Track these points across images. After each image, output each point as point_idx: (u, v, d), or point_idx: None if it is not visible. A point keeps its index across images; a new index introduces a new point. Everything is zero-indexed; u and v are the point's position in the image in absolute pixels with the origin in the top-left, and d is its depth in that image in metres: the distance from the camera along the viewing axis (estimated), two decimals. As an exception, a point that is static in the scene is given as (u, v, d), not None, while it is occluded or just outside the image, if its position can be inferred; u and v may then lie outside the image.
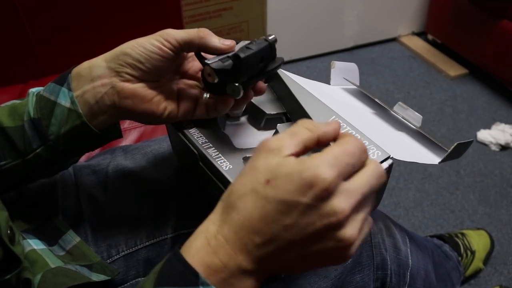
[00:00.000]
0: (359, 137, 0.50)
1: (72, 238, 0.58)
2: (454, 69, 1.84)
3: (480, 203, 1.33)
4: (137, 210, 0.62)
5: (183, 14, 1.35)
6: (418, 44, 1.99)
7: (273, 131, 0.56)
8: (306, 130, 0.36)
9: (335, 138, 0.37)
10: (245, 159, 0.51)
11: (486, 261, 1.14)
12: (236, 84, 0.47)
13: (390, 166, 0.48)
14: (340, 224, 0.33)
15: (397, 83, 1.81)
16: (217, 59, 0.48)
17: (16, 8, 1.11)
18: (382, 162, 0.47)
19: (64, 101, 0.50)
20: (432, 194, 1.37)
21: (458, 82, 1.80)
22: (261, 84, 0.52)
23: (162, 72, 0.50)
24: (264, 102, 0.59)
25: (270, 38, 0.49)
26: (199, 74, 0.54)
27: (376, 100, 0.61)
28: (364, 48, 2.01)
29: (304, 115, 0.53)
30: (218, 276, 0.34)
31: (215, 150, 0.51)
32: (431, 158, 0.53)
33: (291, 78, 0.58)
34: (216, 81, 0.48)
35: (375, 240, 0.60)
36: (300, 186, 0.32)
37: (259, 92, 0.53)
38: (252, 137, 0.58)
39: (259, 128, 0.59)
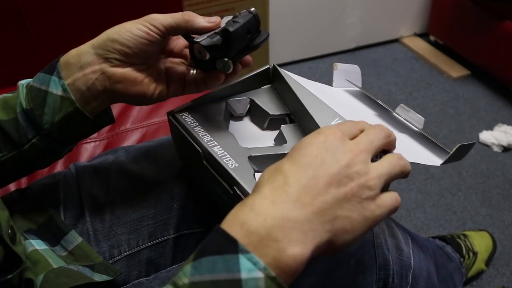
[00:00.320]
0: None
1: (74, 239, 0.58)
2: (456, 70, 1.84)
3: (482, 204, 1.33)
4: (139, 210, 0.62)
5: (185, 15, 1.35)
6: (420, 45, 1.99)
7: (277, 131, 0.56)
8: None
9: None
10: (250, 158, 0.51)
11: (488, 262, 1.14)
12: (226, 59, 0.49)
13: None
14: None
15: (399, 84, 1.81)
16: (205, 37, 0.49)
17: (18, 8, 1.11)
18: None
19: (56, 89, 0.50)
20: (434, 195, 1.36)
21: (460, 83, 1.80)
22: (247, 57, 0.54)
23: (150, 55, 0.51)
24: (268, 103, 0.59)
25: (252, 10, 0.51)
26: (185, 51, 0.56)
27: (379, 101, 0.61)
28: (366, 49, 2.00)
29: (307, 116, 0.53)
30: (256, 236, 0.34)
31: (220, 149, 0.52)
32: (433, 159, 0.53)
33: (294, 80, 0.58)
34: (207, 57, 0.49)
35: (378, 240, 0.60)
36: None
37: (246, 65, 0.54)
38: (256, 137, 0.58)
39: (262, 128, 0.59)
